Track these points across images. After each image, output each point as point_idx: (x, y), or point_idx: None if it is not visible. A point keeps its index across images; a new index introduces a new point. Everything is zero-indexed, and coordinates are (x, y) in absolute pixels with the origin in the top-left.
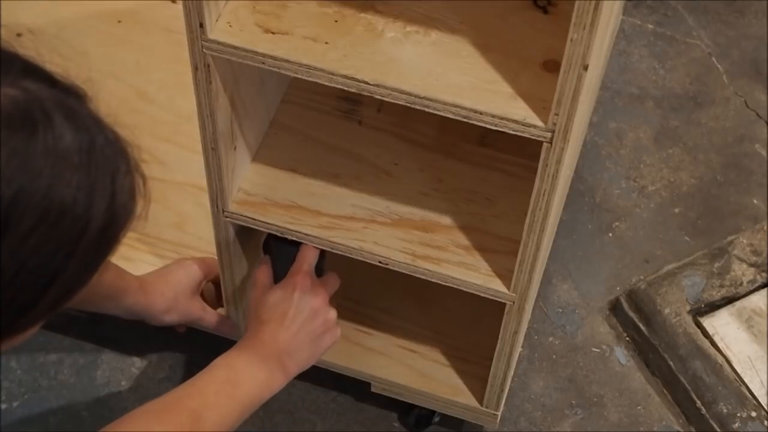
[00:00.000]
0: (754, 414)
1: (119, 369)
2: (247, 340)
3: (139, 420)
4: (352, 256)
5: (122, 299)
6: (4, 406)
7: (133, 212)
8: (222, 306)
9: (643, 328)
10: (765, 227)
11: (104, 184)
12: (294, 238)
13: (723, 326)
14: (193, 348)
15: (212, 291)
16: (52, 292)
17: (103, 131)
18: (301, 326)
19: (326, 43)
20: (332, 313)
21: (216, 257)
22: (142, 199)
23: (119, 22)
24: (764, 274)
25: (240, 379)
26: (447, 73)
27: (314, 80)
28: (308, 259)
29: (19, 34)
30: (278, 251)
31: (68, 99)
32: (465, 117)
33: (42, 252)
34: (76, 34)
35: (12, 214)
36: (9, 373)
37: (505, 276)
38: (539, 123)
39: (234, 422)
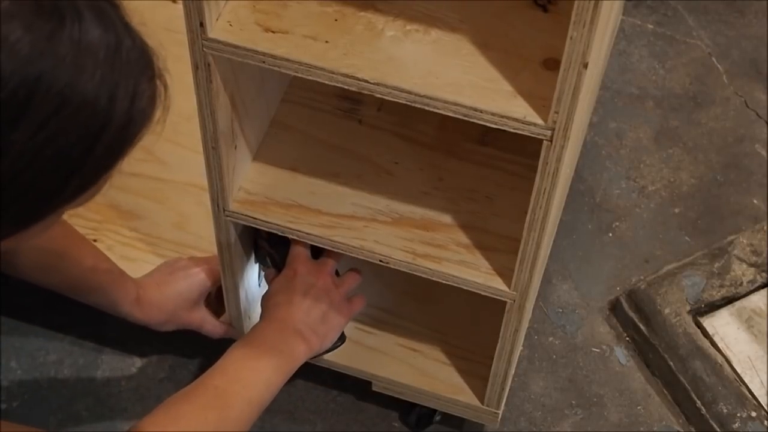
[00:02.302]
0: (754, 414)
1: (119, 369)
2: (260, 322)
3: (168, 407)
4: (352, 255)
5: (117, 306)
6: (4, 406)
7: (152, 118)
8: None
9: (643, 328)
10: (765, 227)
11: (127, 85)
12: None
13: (723, 326)
14: (194, 348)
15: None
16: (72, 184)
17: (131, 35)
18: (311, 304)
19: (326, 41)
20: (335, 294)
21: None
22: (161, 107)
23: None
24: (764, 274)
25: (260, 353)
26: (447, 71)
27: (314, 79)
28: (302, 246)
29: None
30: (277, 250)
31: (101, 1)
32: (465, 115)
33: (62, 140)
34: None
35: (33, 96)
36: (9, 373)
37: (506, 274)
38: (539, 121)
39: (262, 393)
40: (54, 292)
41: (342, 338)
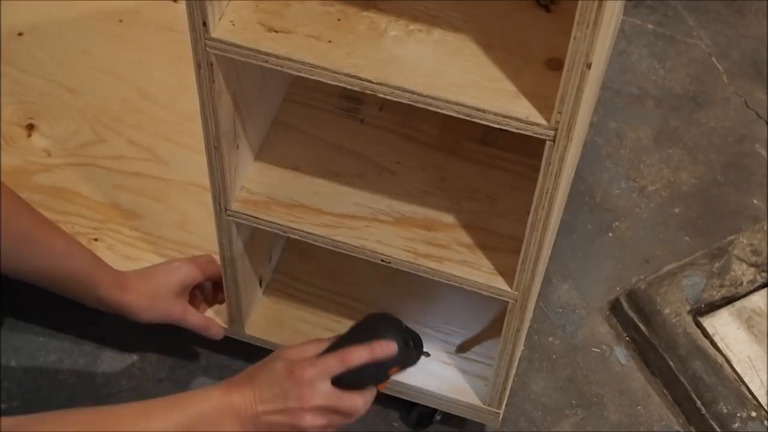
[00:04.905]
0: (754, 414)
1: (119, 369)
2: (236, 392)
3: (126, 416)
4: (354, 255)
5: (95, 289)
6: (4, 406)
7: None
8: (219, 303)
9: (643, 328)
10: (765, 227)
11: None
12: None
13: (723, 326)
14: (194, 348)
15: (209, 290)
16: None
17: None
18: (288, 419)
19: (329, 41)
20: None
21: (212, 255)
22: None
23: (120, 21)
24: (764, 274)
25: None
26: (450, 71)
27: (317, 79)
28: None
29: (20, 33)
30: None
31: None
32: (468, 115)
33: None
34: (77, 34)
35: None
36: (9, 373)
37: (508, 274)
38: (542, 121)
39: None
40: (51, 292)
41: (425, 353)
